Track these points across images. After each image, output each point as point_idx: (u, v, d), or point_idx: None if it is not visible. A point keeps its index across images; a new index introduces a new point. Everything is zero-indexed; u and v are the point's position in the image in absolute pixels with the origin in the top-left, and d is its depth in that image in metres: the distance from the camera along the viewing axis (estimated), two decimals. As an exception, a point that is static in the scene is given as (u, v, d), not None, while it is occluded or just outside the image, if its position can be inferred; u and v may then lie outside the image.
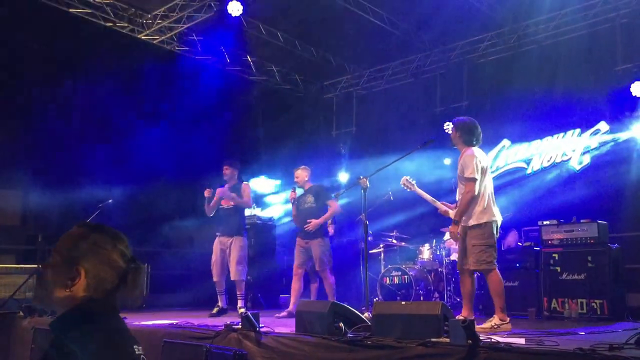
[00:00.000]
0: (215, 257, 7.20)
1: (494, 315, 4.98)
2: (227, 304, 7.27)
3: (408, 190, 5.97)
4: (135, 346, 1.73)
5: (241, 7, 8.10)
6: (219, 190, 7.30)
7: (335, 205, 7.21)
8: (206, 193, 7.23)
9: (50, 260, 1.78)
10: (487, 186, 5.19)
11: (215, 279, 7.19)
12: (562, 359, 3.04)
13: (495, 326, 4.86)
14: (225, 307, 7.13)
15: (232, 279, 7.10)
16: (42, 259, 7.63)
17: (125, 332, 1.78)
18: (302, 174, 7.36)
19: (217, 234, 7.33)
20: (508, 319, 4.96)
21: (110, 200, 7.16)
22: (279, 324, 5.52)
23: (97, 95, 8.81)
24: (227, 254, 7.14)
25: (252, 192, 8.19)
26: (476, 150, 5.25)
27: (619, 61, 8.56)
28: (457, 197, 5.32)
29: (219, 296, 7.21)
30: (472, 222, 5.10)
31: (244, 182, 7.54)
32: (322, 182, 11.43)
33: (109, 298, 1.77)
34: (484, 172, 5.19)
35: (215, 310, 7.07)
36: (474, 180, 5.04)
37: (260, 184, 11.42)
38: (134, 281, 1.79)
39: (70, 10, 8.77)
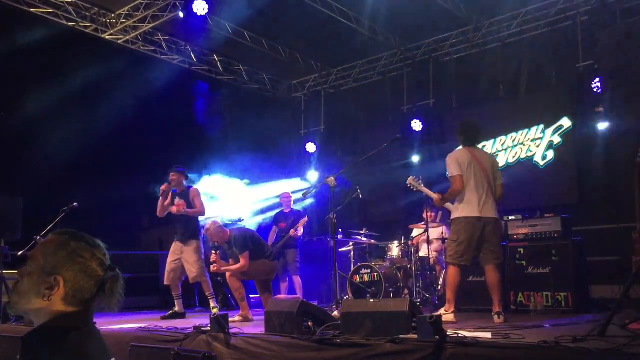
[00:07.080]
0: (168, 260, 7.06)
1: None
2: (184, 308, 7.10)
3: (414, 190, 6.06)
4: None
5: (207, 6, 8.01)
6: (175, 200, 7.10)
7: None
8: (164, 187, 7.00)
9: (27, 268, 1.73)
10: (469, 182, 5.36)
11: (165, 282, 7.08)
12: (526, 352, 3.09)
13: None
14: (180, 312, 6.96)
15: (190, 282, 7.04)
16: (12, 265, 7.37)
17: (97, 349, 1.73)
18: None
19: (175, 237, 7.21)
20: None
21: (75, 204, 6.98)
22: (249, 325, 5.51)
23: (58, 96, 8.61)
24: (183, 259, 6.99)
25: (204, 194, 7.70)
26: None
27: (580, 58, 8.74)
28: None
29: (175, 300, 7.08)
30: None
31: (192, 188, 7.21)
32: (291, 180, 11.44)
33: (85, 309, 1.74)
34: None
35: (168, 313, 6.89)
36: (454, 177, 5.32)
37: (230, 184, 11.33)
38: (112, 290, 1.77)
39: (32, 10, 8.58)
